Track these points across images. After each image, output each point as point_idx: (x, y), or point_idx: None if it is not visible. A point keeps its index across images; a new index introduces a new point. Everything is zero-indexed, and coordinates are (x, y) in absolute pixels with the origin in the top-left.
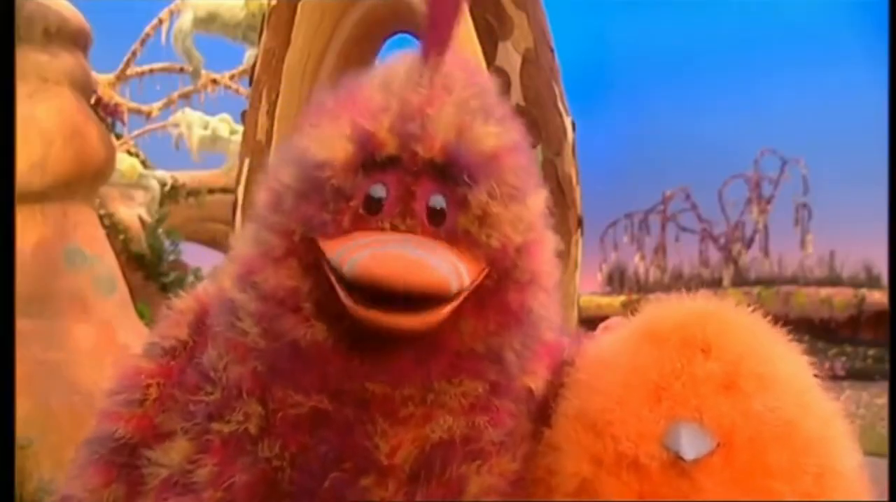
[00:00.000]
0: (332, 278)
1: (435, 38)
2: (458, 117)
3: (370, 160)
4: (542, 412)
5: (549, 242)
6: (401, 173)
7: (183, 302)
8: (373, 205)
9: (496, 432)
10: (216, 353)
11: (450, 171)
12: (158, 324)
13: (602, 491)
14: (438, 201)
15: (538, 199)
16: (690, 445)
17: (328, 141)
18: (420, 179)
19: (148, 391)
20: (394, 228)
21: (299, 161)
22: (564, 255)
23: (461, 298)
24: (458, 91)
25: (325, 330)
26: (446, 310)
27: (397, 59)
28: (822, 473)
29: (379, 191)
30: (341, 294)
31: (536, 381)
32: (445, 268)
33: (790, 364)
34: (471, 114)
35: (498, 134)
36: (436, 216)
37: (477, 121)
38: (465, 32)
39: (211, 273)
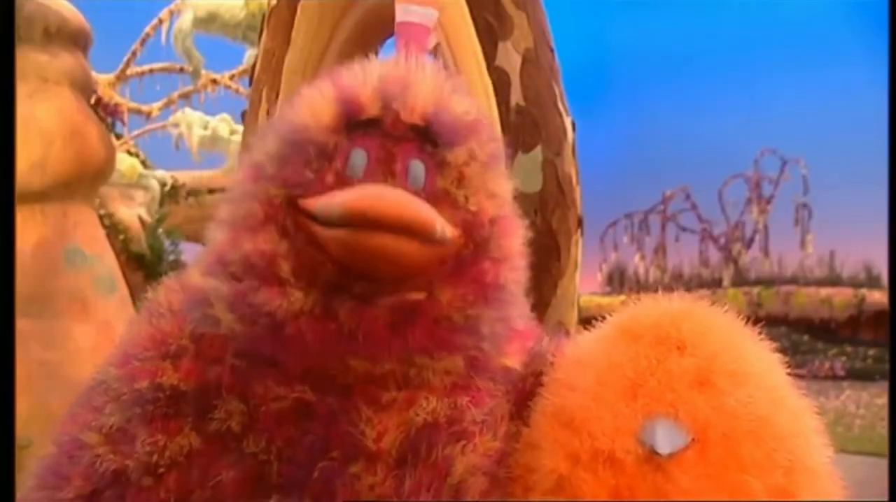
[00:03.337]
0: (316, 231)
1: (406, 54)
2: (436, 88)
3: (353, 121)
4: (520, 405)
5: (519, 228)
6: (382, 138)
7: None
8: (354, 167)
9: (478, 411)
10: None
11: (430, 135)
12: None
13: (579, 487)
14: (418, 164)
15: (508, 185)
16: (666, 440)
17: (311, 103)
18: (401, 143)
19: (186, 344)
20: None
21: (280, 129)
22: (564, 255)
23: (442, 258)
24: (432, 73)
25: (301, 298)
26: (429, 255)
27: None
28: (793, 468)
29: (360, 156)
30: (327, 235)
31: (512, 361)
32: (430, 210)
33: (762, 361)
34: (447, 90)
35: (471, 108)
36: (415, 179)
37: (452, 97)
38: (466, 32)
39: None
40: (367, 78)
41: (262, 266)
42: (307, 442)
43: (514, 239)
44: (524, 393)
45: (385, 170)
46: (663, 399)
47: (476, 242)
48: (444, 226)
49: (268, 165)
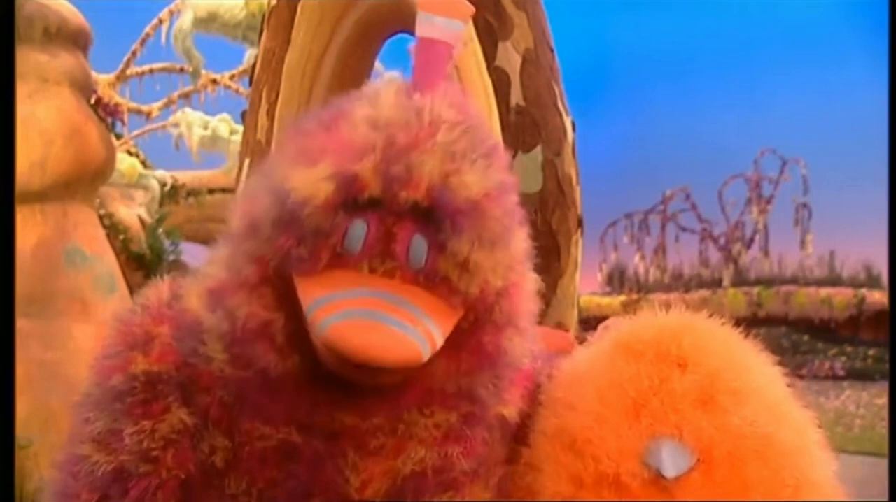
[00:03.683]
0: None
1: (425, 76)
2: (443, 161)
3: (352, 200)
4: (517, 433)
5: (529, 282)
6: (382, 213)
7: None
8: (351, 244)
9: (468, 461)
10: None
11: (433, 216)
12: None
13: None
14: (420, 243)
15: (520, 240)
16: (671, 462)
17: (309, 179)
18: (402, 221)
19: (155, 330)
20: (372, 270)
21: (278, 192)
22: (564, 255)
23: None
24: (444, 130)
25: (297, 362)
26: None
27: (385, 87)
28: (800, 485)
29: (359, 230)
30: (314, 338)
31: (510, 409)
32: (420, 340)
33: (763, 375)
34: (457, 157)
35: (484, 178)
36: (415, 260)
37: (463, 165)
38: (466, 33)
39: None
40: (368, 148)
41: (257, 328)
42: (290, 486)
43: (522, 299)
44: (523, 423)
45: (383, 250)
46: (667, 420)
47: (476, 316)
48: (433, 342)
49: (263, 227)
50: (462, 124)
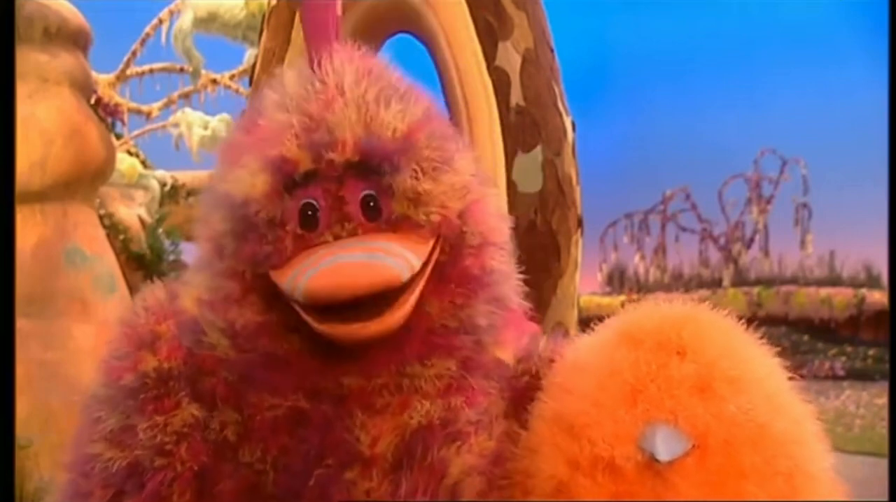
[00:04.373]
0: (293, 302)
1: (315, 40)
2: (359, 112)
3: (290, 181)
4: (515, 404)
5: (490, 198)
6: (324, 183)
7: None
8: (309, 222)
9: (472, 412)
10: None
11: (370, 166)
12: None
13: (578, 493)
14: (369, 197)
15: (466, 160)
16: (665, 447)
17: (243, 178)
18: (344, 183)
19: (159, 329)
20: (336, 237)
21: (223, 203)
22: (564, 255)
23: (421, 282)
24: (351, 87)
25: (299, 340)
26: (409, 301)
27: (284, 70)
28: (794, 474)
29: (310, 206)
30: (304, 316)
31: (505, 352)
32: (391, 261)
33: (763, 366)
34: (371, 104)
35: (403, 113)
36: (371, 212)
37: (379, 109)
38: (466, 32)
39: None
40: (286, 128)
41: (256, 330)
42: (302, 450)
43: (488, 215)
44: (519, 391)
45: (339, 215)
46: (663, 405)
47: (451, 243)
48: (409, 263)
49: (225, 244)
50: (368, 73)
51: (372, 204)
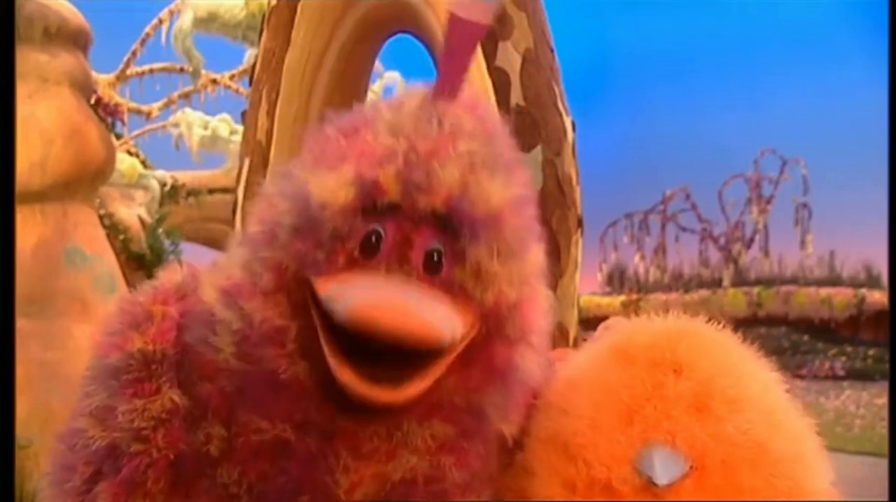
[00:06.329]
0: (318, 321)
1: (448, 80)
2: (463, 170)
3: (371, 205)
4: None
5: (542, 297)
6: (401, 219)
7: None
8: (369, 248)
9: (461, 474)
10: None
11: (451, 224)
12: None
13: None
14: (436, 251)
15: (537, 253)
16: (663, 469)
17: (330, 183)
18: (419, 227)
19: (154, 309)
20: (389, 273)
21: (297, 197)
22: (564, 255)
23: (451, 357)
24: (466, 140)
25: (305, 368)
26: (433, 375)
27: (408, 95)
28: (794, 493)
29: (377, 233)
30: (323, 339)
31: (511, 427)
32: (441, 318)
33: (760, 381)
34: (477, 167)
35: (503, 189)
36: (432, 266)
37: (483, 175)
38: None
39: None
40: (389, 155)
41: (271, 333)
42: (280, 482)
43: (535, 314)
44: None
45: (400, 256)
46: (660, 426)
47: (489, 328)
48: (454, 329)
49: (281, 233)
50: (483, 134)
51: (436, 259)
